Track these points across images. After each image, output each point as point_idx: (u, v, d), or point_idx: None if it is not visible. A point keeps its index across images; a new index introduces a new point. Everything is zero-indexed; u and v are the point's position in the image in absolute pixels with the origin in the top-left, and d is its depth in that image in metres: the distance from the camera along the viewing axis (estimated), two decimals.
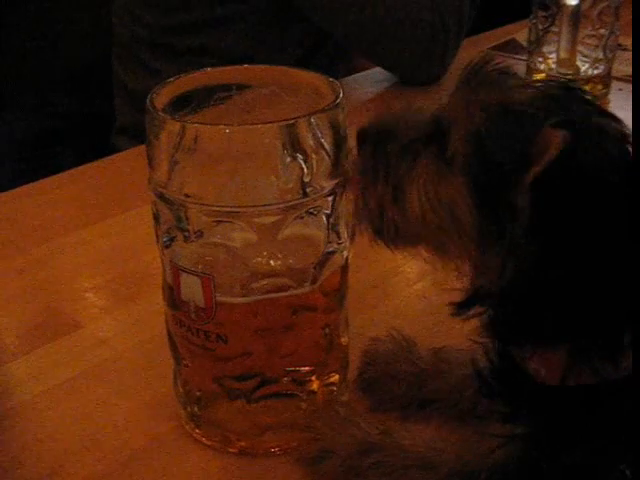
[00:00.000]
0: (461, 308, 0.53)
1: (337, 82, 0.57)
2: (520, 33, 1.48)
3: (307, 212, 0.54)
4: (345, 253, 0.59)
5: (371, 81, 1.36)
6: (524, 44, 1.38)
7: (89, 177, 1.07)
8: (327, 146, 0.54)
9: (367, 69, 1.41)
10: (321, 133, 0.54)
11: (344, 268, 0.59)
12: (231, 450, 0.61)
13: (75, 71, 1.59)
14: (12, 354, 0.74)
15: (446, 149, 0.51)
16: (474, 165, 0.50)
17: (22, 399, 0.68)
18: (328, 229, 0.56)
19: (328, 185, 0.55)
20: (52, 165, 1.18)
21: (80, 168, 1.08)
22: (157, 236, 0.58)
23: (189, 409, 0.62)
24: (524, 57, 1.32)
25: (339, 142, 0.55)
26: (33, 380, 0.70)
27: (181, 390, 0.62)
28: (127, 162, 1.10)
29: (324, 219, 0.55)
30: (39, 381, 0.70)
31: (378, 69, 1.37)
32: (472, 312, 0.53)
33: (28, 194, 1.03)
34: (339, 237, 0.57)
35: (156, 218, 0.57)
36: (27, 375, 0.71)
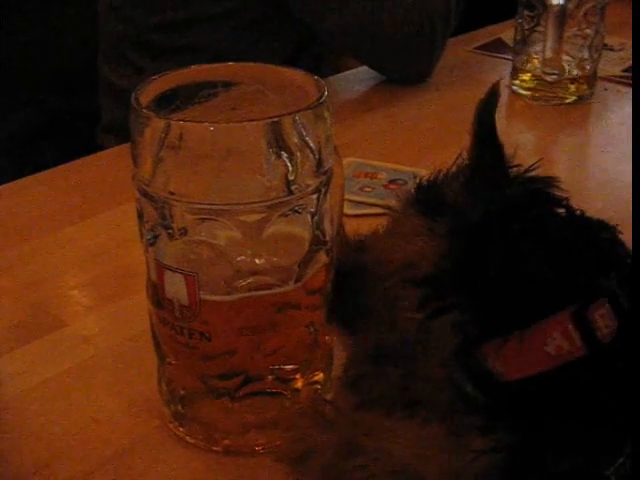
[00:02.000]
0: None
1: (322, 80, 0.57)
2: (506, 33, 1.49)
3: (292, 210, 0.54)
4: (330, 251, 0.59)
5: (357, 80, 1.36)
6: (510, 44, 1.38)
7: (73, 174, 1.06)
8: (312, 144, 0.54)
9: (353, 68, 1.41)
10: (306, 131, 0.53)
11: (329, 266, 0.59)
12: (215, 449, 0.61)
13: (60, 68, 1.59)
14: None
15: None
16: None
17: (6, 397, 0.68)
18: (312, 227, 0.56)
19: (313, 183, 0.55)
20: (36, 162, 1.17)
21: (64, 166, 1.08)
22: (141, 234, 0.58)
23: (173, 407, 0.62)
24: (510, 57, 1.33)
25: (324, 140, 0.55)
26: (17, 378, 0.70)
27: (165, 388, 0.62)
28: (112, 160, 1.10)
29: (308, 217, 0.55)
30: (23, 379, 0.70)
31: (364, 68, 1.37)
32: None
33: (11, 192, 1.02)
34: (324, 235, 0.57)
35: (140, 216, 0.57)
36: (11, 373, 0.71)
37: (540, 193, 0.56)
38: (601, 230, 0.55)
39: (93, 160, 1.11)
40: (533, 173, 0.57)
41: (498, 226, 0.53)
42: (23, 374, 0.70)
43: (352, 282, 0.59)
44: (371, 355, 0.59)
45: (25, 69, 1.60)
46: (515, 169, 0.57)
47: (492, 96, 0.58)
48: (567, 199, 0.56)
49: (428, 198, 0.57)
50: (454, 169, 0.59)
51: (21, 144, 1.52)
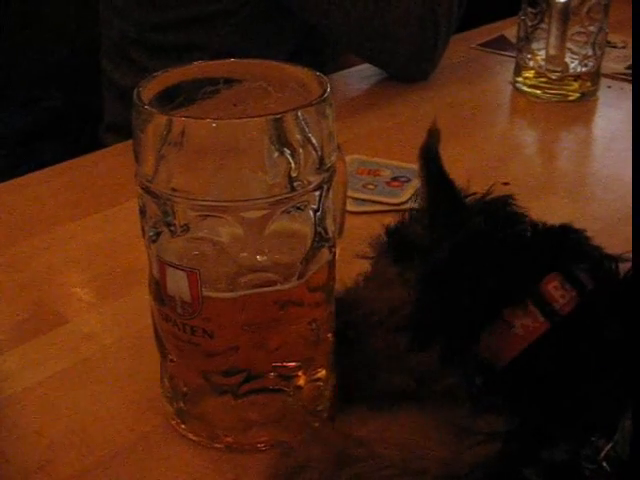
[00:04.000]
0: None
1: (324, 77, 0.57)
2: (509, 30, 1.48)
3: (294, 207, 0.54)
4: (332, 248, 0.59)
5: (360, 77, 1.36)
6: (513, 41, 1.38)
7: (76, 172, 1.06)
8: (314, 141, 0.54)
9: (355, 65, 1.41)
10: (308, 128, 0.53)
11: (331, 263, 0.59)
12: (218, 446, 0.61)
13: (62, 66, 1.59)
14: None
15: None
16: None
17: (8, 394, 0.68)
18: (315, 224, 0.56)
19: (315, 180, 0.54)
20: (38, 160, 1.17)
21: (67, 163, 1.08)
22: (143, 230, 0.58)
23: (175, 404, 0.62)
24: (513, 54, 1.32)
25: (326, 137, 0.55)
26: (19, 375, 0.70)
27: (167, 385, 0.62)
28: (114, 157, 1.10)
29: (311, 214, 0.55)
30: (25, 376, 0.70)
31: (367, 65, 1.37)
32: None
33: (13, 189, 1.02)
34: (326, 232, 0.57)
35: (142, 212, 0.57)
36: (13, 370, 0.71)
37: (498, 218, 0.59)
38: (566, 232, 0.60)
39: (95, 157, 1.11)
40: (490, 197, 0.61)
41: (460, 262, 0.57)
42: (25, 371, 0.70)
43: (349, 337, 0.62)
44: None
45: (26, 68, 1.60)
46: (472, 197, 0.61)
47: (433, 137, 0.62)
48: (525, 215, 0.60)
49: (398, 244, 0.62)
50: (416, 211, 0.63)
51: (21, 142, 1.52)
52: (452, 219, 0.59)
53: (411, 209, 0.64)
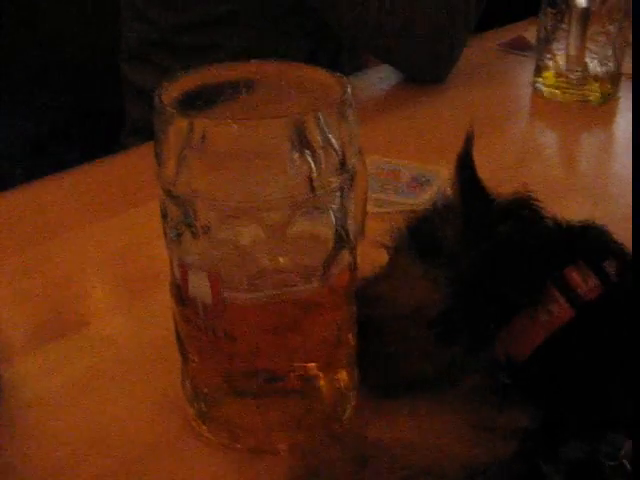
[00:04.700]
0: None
1: (345, 78, 0.57)
2: (528, 30, 1.48)
3: (315, 208, 0.54)
4: (353, 250, 0.59)
5: (378, 78, 1.36)
6: (532, 41, 1.38)
7: (97, 174, 1.07)
8: (335, 143, 0.54)
9: (373, 67, 1.41)
10: (329, 129, 0.53)
11: (352, 265, 0.59)
12: (238, 447, 0.61)
13: (84, 68, 1.59)
14: (19, 351, 0.73)
15: None
16: None
17: (29, 396, 0.68)
18: (336, 226, 0.56)
19: (336, 181, 0.54)
20: (59, 163, 1.17)
21: (88, 165, 1.08)
22: (165, 233, 0.58)
23: (196, 406, 0.62)
24: (532, 54, 1.32)
25: (347, 139, 0.55)
26: (40, 378, 0.70)
27: (189, 387, 0.62)
28: (135, 159, 1.10)
29: (332, 216, 0.55)
30: (46, 379, 0.70)
31: (385, 66, 1.37)
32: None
33: (35, 191, 1.02)
34: (347, 234, 0.57)
35: (164, 215, 0.57)
36: (34, 373, 0.71)
37: (524, 220, 0.60)
38: (589, 229, 0.60)
39: (116, 160, 1.11)
40: (515, 198, 0.61)
41: (490, 266, 0.58)
42: (46, 374, 0.71)
43: (372, 335, 0.63)
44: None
45: (46, 71, 1.60)
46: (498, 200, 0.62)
47: (469, 142, 0.63)
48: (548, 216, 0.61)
49: (423, 242, 0.62)
50: (441, 210, 0.64)
51: (42, 145, 1.53)
52: (484, 225, 0.60)
53: (434, 207, 0.64)
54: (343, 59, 1.52)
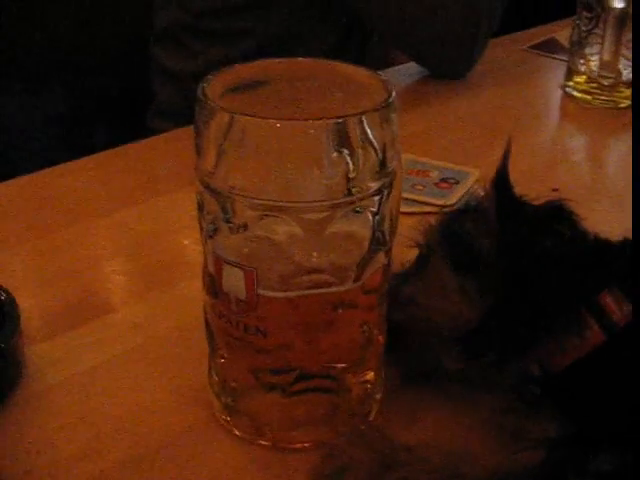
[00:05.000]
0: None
1: (390, 80, 0.57)
2: (561, 32, 1.47)
3: (353, 210, 0.54)
4: (389, 252, 0.59)
5: (406, 75, 1.35)
6: (564, 44, 1.37)
7: (125, 158, 1.06)
8: (376, 145, 0.54)
9: (402, 64, 1.41)
10: (371, 131, 0.53)
11: (386, 267, 0.59)
12: (263, 442, 0.61)
13: (111, 50, 1.59)
14: (44, 335, 0.73)
15: None
16: None
17: (54, 381, 0.68)
18: (374, 228, 0.56)
19: (375, 184, 0.54)
20: (87, 145, 1.18)
21: (116, 149, 1.08)
22: (200, 225, 0.58)
23: (223, 399, 0.62)
24: (564, 57, 1.31)
25: (389, 141, 0.55)
26: (65, 362, 0.70)
27: (216, 380, 0.62)
28: (164, 145, 1.10)
29: (370, 218, 0.55)
30: (71, 364, 0.70)
31: (412, 64, 1.36)
32: None
33: (62, 174, 1.02)
34: (384, 236, 0.57)
35: (200, 207, 0.57)
36: (59, 357, 0.71)
37: (562, 235, 0.60)
38: (627, 246, 0.60)
39: (145, 145, 1.11)
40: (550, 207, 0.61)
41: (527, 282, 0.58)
42: (71, 359, 0.71)
43: (403, 338, 0.64)
44: None
45: (74, 51, 1.60)
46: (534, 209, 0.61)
47: (506, 157, 0.62)
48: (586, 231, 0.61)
49: (458, 253, 0.62)
50: (473, 208, 0.64)
51: (71, 126, 1.53)
52: (520, 238, 0.59)
53: (466, 208, 0.64)
54: (371, 53, 1.51)
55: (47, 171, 1.03)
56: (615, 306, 0.56)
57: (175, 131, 1.08)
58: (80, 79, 1.55)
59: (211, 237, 0.56)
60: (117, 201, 0.96)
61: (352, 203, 0.54)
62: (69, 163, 1.05)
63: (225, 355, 0.60)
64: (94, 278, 0.83)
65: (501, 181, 0.61)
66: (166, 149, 1.07)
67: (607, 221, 0.62)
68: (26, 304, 0.74)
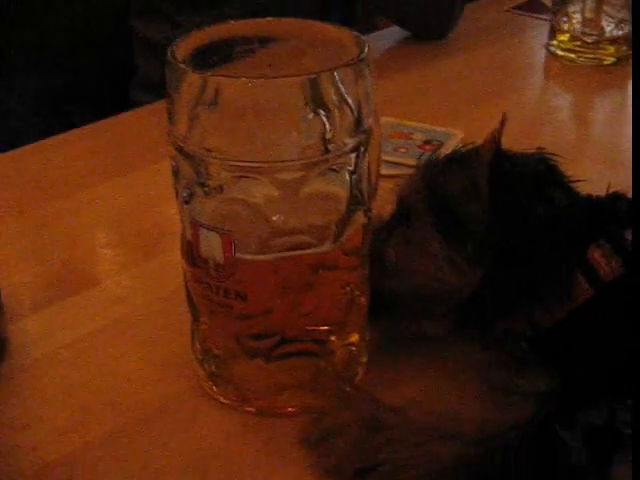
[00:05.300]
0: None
1: (362, 36, 0.56)
2: None
3: (329, 169, 0.53)
4: (368, 212, 0.58)
5: (390, 39, 1.34)
6: (548, 4, 1.36)
7: (107, 132, 1.06)
8: (351, 102, 0.53)
9: (385, 28, 1.40)
10: (345, 88, 0.52)
11: (366, 227, 0.58)
12: (248, 409, 0.61)
13: (91, 26, 1.58)
14: (28, 309, 0.73)
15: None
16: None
17: (38, 355, 0.68)
18: (351, 187, 0.55)
19: (351, 141, 0.54)
20: (69, 121, 1.17)
21: (98, 123, 1.07)
22: (176, 192, 0.57)
23: (207, 367, 0.62)
24: (547, 17, 1.30)
25: (364, 98, 0.54)
26: (50, 336, 0.70)
27: (199, 348, 0.62)
28: (146, 117, 1.09)
29: (347, 176, 0.54)
30: (56, 337, 0.70)
31: (397, 28, 1.35)
32: None
33: (43, 149, 1.02)
34: (362, 195, 0.56)
35: (175, 173, 0.56)
36: (44, 331, 0.71)
37: (552, 198, 0.59)
38: (615, 200, 0.60)
39: (126, 117, 1.10)
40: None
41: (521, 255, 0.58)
42: (55, 332, 0.70)
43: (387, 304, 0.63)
44: None
45: (52, 28, 1.59)
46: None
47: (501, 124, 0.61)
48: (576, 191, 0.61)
49: (445, 218, 0.60)
50: (460, 157, 0.62)
51: (53, 103, 1.51)
52: (511, 204, 0.58)
53: (453, 157, 0.63)
54: (355, 18, 1.50)
55: (30, 147, 1.02)
56: (603, 261, 0.56)
57: (156, 103, 1.07)
58: (58, 56, 1.53)
59: (187, 202, 0.56)
60: (99, 175, 0.95)
61: (328, 161, 0.53)
62: (51, 138, 1.04)
63: (207, 322, 0.60)
64: (76, 252, 0.82)
65: (493, 152, 0.60)
66: (148, 121, 1.06)
67: (593, 179, 0.62)
68: (8, 280, 0.74)
